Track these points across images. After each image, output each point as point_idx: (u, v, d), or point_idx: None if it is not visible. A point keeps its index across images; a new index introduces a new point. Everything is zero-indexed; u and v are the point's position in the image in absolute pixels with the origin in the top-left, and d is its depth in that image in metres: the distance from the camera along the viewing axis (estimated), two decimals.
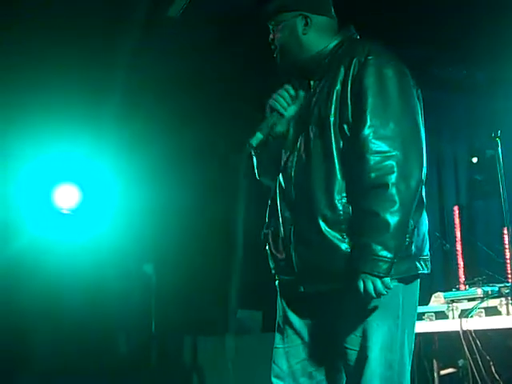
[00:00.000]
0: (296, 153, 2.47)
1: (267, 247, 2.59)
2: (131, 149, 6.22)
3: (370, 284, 2.24)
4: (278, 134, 2.57)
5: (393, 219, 2.23)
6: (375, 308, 2.34)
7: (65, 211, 6.34)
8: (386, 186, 2.24)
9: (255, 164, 2.68)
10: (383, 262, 2.23)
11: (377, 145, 2.28)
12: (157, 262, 6.04)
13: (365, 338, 2.34)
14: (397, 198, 2.24)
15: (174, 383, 5.89)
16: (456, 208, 5.79)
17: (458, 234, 5.62)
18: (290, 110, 2.54)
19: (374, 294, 2.25)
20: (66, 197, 6.35)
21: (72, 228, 6.33)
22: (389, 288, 2.26)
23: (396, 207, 2.23)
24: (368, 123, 2.30)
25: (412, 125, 2.35)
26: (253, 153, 2.64)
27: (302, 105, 2.52)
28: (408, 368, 2.43)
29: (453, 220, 5.73)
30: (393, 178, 2.24)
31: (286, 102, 2.53)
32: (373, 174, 2.26)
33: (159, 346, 5.83)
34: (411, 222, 2.33)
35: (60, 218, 6.35)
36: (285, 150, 2.54)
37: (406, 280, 2.37)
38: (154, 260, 6.08)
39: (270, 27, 2.60)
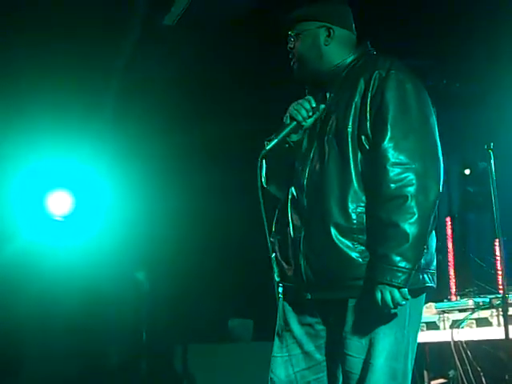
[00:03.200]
0: (309, 162, 2.50)
1: (273, 255, 2.59)
2: (125, 155, 6.22)
3: (387, 294, 2.27)
4: (292, 143, 2.59)
5: (412, 230, 2.27)
6: (383, 317, 2.36)
7: (58, 218, 6.33)
8: (406, 197, 2.28)
9: (263, 170, 2.68)
10: (402, 273, 2.26)
11: (397, 157, 2.32)
12: (149, 270, 6.03)
13: (371, 346, 2.36)
14: (416, 210, 2.28)
15: None
16: (448, 219, 5.80)
17: (450, 245, 5.64)
18: (309, 122, 2.56)
19: (391, 305, 2.28)
20: (59, 203, 6.34)
21: (65, 234, 6.32)
22: (406, 299, 2.29)
23: (415, 218, 2.27)
24: (389, 135, 2.34)
25: (431, 139, 2.40)
26: (266, 164, 2.64)
27: (316, 115, 2.55)
28: (410, 378, 2.45)
29: (445, 231, 5.75)
30: (412, 189, 2.29)
31: (306, 113, 2.54)
32: (393, 185, 2.30)
33: (150, 354, 5.82)
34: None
35: (53, 225, 6.34)
36: (298, 159, 2.56)
37: (414, 292, 2.38)
38: (146, 267, 6.07)
39: (291, 35, 2.61)
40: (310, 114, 2.54)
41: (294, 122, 2.55)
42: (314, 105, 2.55)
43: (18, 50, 5.28)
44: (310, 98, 2.56)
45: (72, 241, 6.26)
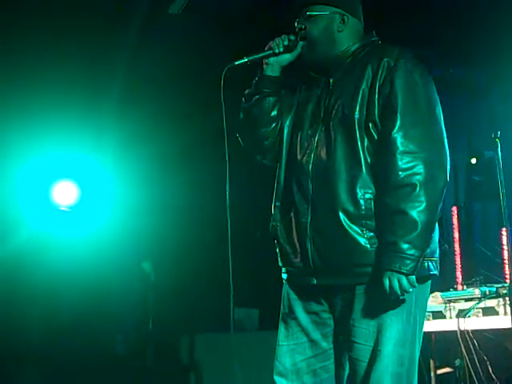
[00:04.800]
0: (313, 147, 2.49)
1: (275, 239, 2.59)
2: (130, 146, 6.22)
3: (395, 281, 2.29)
4: (266, 77, 2.61)
5: (420, 218, 2.29)
6: (390, 303, 2.37)
7: (63, 208, 6.34)
8: (414, 185, 2.30)
9: (243, 122, 2.70)
10: (410, 260, 2.28)
11: (406, 145, 2.34)
12: (155, 260, 6.04)
13: (379, 333, 2.37)
14: (424, 198, 2.30)
15: (170, 381, 5.88)
16: (454, 209, 5.79)
17: (456, 234, 5.64)
18: (284, 57, 2.59)
19: (399, 292, 2.30)
20: (65, 194, 6.35)
21: (70, 225, 6.33)
22: (414, 286, 2.31)
23: (423, 207, 2.29)
24: (398, 124, 2.35)
25: (438, 128, 2.42)
26: (244, 105, 2.66)
27: (318, 101, 2.56)
28: (416, 365, 2.46)
29: (451, 220, 5.74)
30: (421, 178, 2.31)
31: (282, 43, 2.57)
32: (401, 174, 2.32)
33: (156, 344, 5.83)
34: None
35: (58, 215, 6.35)
36: (300, 141, 2.55)
37: (420, 279, 2.39)
38: (152, 257, 6.08)
39: (304, 16, 2.60)
40: (286, 43, 2.56)
41: (270, 51, 2.58)
42: (292, 38, 2.58)
43: (22, 42, 5.27)
44: (291, 34, 2.58)
45: (78, 231, 6.27)
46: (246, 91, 2.67)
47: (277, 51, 2.58)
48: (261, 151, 2.70)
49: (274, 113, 2.63)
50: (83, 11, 5.05)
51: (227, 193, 2.61)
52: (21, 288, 5.90)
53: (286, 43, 2.57)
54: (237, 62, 2.57)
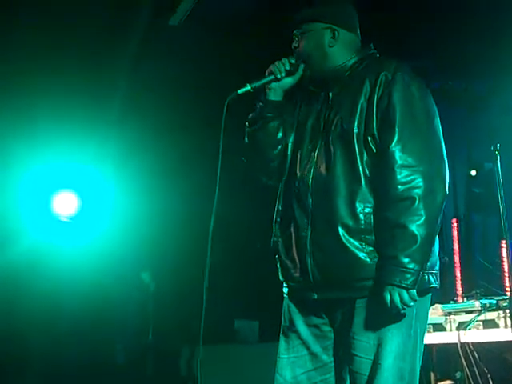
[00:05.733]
0: (313, 162, 2.50)
1: (276, 254, 2.59)
2: (130, 156, 6.23)
3: (396, 295, 2.29)
4: (269, 102, 2.62)
5: (420, 232, 2.29)
6: (390, 317, 2.36)
7: (64, 218, 6.35)
8: (414, 199, 2.30)
9: (248, 145, 2.71)
10: (411, 275, 2.28)
11: (405, 159, 2.34)
12: (155, 270, 6.04)
13: (379, 346, 2.37)
14: (423, 212, 2.30)
15: None
16: (454, 220, 5.79)
17: (456, 246, 5.63)
18: (286, 81, 2.60)
19: (400, 306, 2.30)
20: (65, 204, 6.35)
21: (71, 235, 6.33)
22: (415, 300, 2.31)
23: (422, 220, 2.29)
24: (397, 137, 2.36)
25: (437, 141, 2.42)
26: (248, 129, 2.67)
27: (318, 115, 2.57)
28: (417, 378, 2.45)
29: (451, 232, 5.74)
30: (420, 192, 2.31)
31: (283, 68, 2.58)
32: (400, 187, 2.32)
33: (156, 354, 5.82)
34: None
35: (59, 226, 6.35)
36: (300, 156, 2.56)
37: (420, 292, 2.38)
38: (152, 267, 6.08)
39: (296, 34, 2.63)
40: (288, 68, 2.58)
41: (272, 76, 2.59)
42: (293, 62, 2.59)
43: (24, 51, 5.29)
44: (291, 57, 2.60)
45: (78, 241, 6.27)
46: (250, 116, 2.68)
47: (279, 77, 2.59)
48: (267, 173, 2.71)
49: (279, 135, 2.65)
50: (85, 22, 5.07)
51: (214, 206, 2.60)
52: (21, 298, 5.89)
53: (287, 68, 2.59)
54: (240, 91, 2.58)
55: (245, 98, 2.58)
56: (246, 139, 2.70)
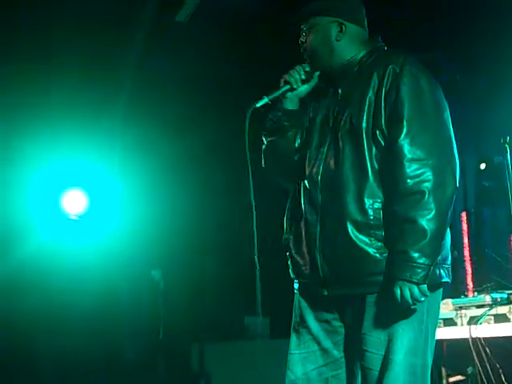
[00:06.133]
0: (323, 157, 2.49)
1: (287, 251, 2.59)
2: (139, 154, 6.23)
3: (407, 291, 2.27)
4: (286, 112, 2.62)
5: (430, 226, 2.27)
6: (401, 312, 2.35)
7: (73, 217, 6.36)
8: (423, 193, 2.28)
9: (267, 153, 2.70)
10: (421, 269, 2.27)
11: (414, 152, 2.32)
12: (164, 268, 6.04)
13: (390, 341, 2.36)
14: (433, 206, 2.28)
15: None
16: (464, 214, 5.77)
17: (466, 240, 5.61)
18: (302, 89, 2.61)
19: (410, 301, 2.28)
20: (74, 203, 6.36)
21: (80, 233, 6.34)
22: (426, 295, 2.30)
23: (432, 214, 2.27)
24: (405, 131, 2.34)
25: (447, 134, 2.40)
26: (265, 140, 2.68)
27: (327, 111, 2.56)
28: (429, 373, 2.44)
29: (460, 226, 5.71)
30: (429, 185, 2.29)
31: (299, 77, 2.58)
32: (410, 181, 2.30)
33: (167, 352, 5.83)
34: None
35: (68, 224, 6.36)
36: (309, 153, 2.56)
37: (431, 287, 2.37)
38: (161, 265, 6.08)
39: (303, 29, 2.62)
40: (303, 77, 2.58)
41: (288, 86, 2.59)
42: (308, 69, 2.59)
43: (30, 50, 5.29)
44: (305, 64, 2.60)
45: (87, 240, 6.28)
46: (268, 125, 2.68)
47: (295, 87, 2.60)
48: (286, 179, 2.71)
49: (296, 143, 2.65)
50: (91, 20, 5.08)
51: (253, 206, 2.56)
52: (29, 296, 5.91)
53: (303, 77, 2.59)
54: (258, 104, 2.56)
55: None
56: (265, 148, 2.70)
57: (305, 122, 2.65)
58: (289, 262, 2.60)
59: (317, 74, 2.60)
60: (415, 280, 2.26)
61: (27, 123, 5.81)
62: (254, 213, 2.52)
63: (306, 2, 2.63)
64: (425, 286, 2.29)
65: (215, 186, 6.45)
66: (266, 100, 2.57)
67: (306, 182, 2.53)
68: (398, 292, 2.28)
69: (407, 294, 2.27)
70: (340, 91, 2.55)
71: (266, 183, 2.76)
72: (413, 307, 2.33)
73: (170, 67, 5.67)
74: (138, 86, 5.94)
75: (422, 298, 2.29)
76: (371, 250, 2.35)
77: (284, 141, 2.64)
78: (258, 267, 2.49)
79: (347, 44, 2.57)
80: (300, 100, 2.64)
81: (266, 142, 2.69)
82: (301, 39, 2.63)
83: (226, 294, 6.31)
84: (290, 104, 2.63)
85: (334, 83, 2.58)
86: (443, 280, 2.43)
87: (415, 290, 2.27)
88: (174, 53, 5.49)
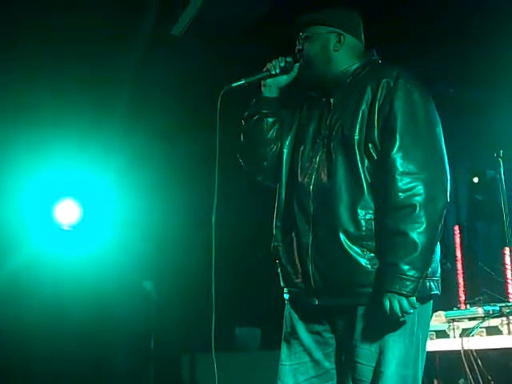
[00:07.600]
0: (315, 168, 2.50)
1: (277, 260, 2.59)
2: (133, 165, 6.23)
3: (396, 303, 2.28)
4: (264, 99, 2.66)
5: (420, 239, 2.28)
6: (392, 324, 2.35)
7: (66, 227, 6.34)
8: (414, 206, 2.29)
9: (243, 142, 2.73)
10: (410, 282, 2.27)
11: (406, 166, 2.33)
12: (157, 278, 6.04)
13: (381, 353, 2.36)
14: (424, 219, 2.29)
15: None
16: (457, 228, 5.79)
17: (459, 253, 5.63)
18: (281, 78, 2.65)
19: (399, 313, 2.29)
20: (67, 213, 6.35)
21: (73, 244, 6.32)
22: (415, 307, 2.30)
23: (423, 228, 2.28)
24: (398, 144, 2.35)
25: (439, 149, 2.41)
26: (243, 126, 2.71)
27: (319, 121, 2.57)
28: None
29: (453, 239, 5.73)
30: (421, 199, 2.30)
31: (278, 64, 2.62)
32: (401, 195, 2.31)
33: (158, 362, 5.81)
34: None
35: (61, 234, 6.35)
36: (301, 162, 2.56)
37: (421, 299, 2.38)
38: (154, 276, 6.08)
39: (301, 37, 2.64)
40: (282, 64, 2.62)
41: (267, 73, 2.64)
42: (289, 60, 2.63)
43: (26, 61, 5.30)
44: (289, 56, 2.64)
45: (80, 250, 6.27)
46: (245, 113, 2.71)
47: (273, 72, 2.63)
48: (261, 172, 2.73)
49: (272, 134, 2.67)
50: (87, 32, 5.09)
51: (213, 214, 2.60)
52: (23, 306, 5.88)
53: (282, 65, 2.62)
54: (234, 84, 2.62)
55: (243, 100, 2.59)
56: (241, 136, 2.73)
57: (292, 125, 2.67)
58: (279, 271, 2.60)
59: (297, 65, 2.63)
60: (404, 292, 2.26)
61: (20, 133, 5.80)
62: (215, 203, 2.56)
63: (305, 13, 2.65)
64: (414, 299, 2.29)
65: (209, 196, 6.44)
66: (242, 81, 2.62)
67: (297, 191, 2.53)
68: (388, 304, 2.28)
69: (396, 306, 2.27)
70: (332, 101, 2.56)
71: (258, 193, 2.76)
72: (402, 319, 2.32)
73: (165, 80, 5.68)
74: (133, 97, 5.95)
75: (411, 310, 2.29)
76: (363, 261, 2.35)
77: (258, 128, 2.67)
78: (213, 294, 2.53)
79: (344, 55, 2.59)
80: (280, 91, 2.67)
81: (242, 131, 2.72)
82: (298, 47, 2.65)
83: (218, 305, 6.30)
84: (269, 92, 2.66)
85: (326, 93, 2.59)
86: (433, 292, 2.43)
87: (404, 302, 2.27)
88: (170, 66, 5.51)
